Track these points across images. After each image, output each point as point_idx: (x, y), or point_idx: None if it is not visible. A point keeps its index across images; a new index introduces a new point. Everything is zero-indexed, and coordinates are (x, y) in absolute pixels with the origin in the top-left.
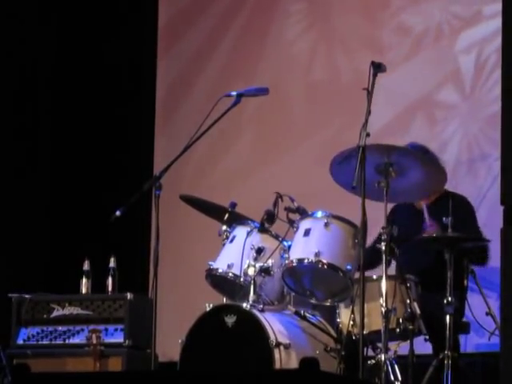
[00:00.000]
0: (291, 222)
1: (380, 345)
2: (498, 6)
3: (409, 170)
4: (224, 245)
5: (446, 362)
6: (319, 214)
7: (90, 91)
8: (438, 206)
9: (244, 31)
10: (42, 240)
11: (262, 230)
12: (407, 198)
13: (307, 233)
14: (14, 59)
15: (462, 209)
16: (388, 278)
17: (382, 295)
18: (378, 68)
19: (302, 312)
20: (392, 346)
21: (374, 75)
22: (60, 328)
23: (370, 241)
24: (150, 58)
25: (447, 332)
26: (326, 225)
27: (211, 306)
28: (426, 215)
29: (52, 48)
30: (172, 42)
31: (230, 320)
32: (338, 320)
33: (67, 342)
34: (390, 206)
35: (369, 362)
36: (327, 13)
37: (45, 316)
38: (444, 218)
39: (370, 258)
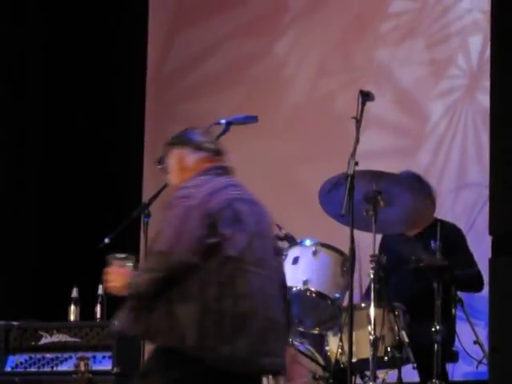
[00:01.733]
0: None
1: (368, 373)
2: None
3: (397, 198)
4: None
5: None
6: (307, 242)
7: (79, 119)
8: (426, 234)
9: (233, 53)
10: (30, 267)
11: None
12: (395, 229)
13: (296, 261)
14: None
15: (452, 235)
16: (376, 306)
17: (370, 323)
18: (366, 96)
19: (290, 340)
20: (380, 374)
21: (363, 104)
22: (48, 355)
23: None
24: (139, 86)
25: (435, 360)
26: (315, 253)
27: None
28: None
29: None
30: (160, 67)
31: None
32: (327, 348)
33: (55, 369)
34: (379, 234)
35: None
36: (318, 39)
37: (33, 343)
38: (432, 243)
39: None
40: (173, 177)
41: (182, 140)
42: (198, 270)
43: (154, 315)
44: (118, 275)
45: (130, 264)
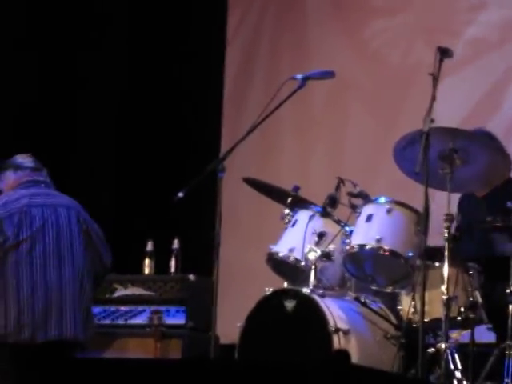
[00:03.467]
0: (353, 207)
1: (441, 333)
2: None
3: (474, 157)
4: (286, 228)
5: (507, 351)
6: (382, 199)
7: (158, 75)
8: (499, 192)
9: (311, 12)
10: (106, 220)
11: (324, 214)
12: (470, 188)
13: (369, 218)
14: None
15: None
16: (450, 265)
17: (443, 283)
18: (444, 53)
19: (363, 298)
20: (453, 334)
21: (441, 61)
22: (122, 308)
23: (431, 228)
24: (218, 45)
25: (510, 321)
26: (389, 211)
27: (271, 290)
28: None
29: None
30: (239, 26)
31: (290, 304)
32: (399, 307)
33: (129, 322)
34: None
35: (429, 350)
36: None
37: (107, 296)
38: (509, 203)
39: None
40: None
41: (6, 165)
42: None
43: None
44: None
45: None
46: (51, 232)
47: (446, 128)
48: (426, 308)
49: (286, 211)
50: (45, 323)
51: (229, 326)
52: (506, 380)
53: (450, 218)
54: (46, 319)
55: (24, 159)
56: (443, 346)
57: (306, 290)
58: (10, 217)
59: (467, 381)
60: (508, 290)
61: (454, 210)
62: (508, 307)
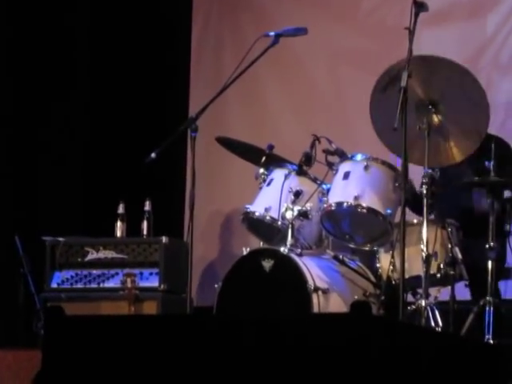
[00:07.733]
0: (330, 165)
1: (420, 290)
2: None
3: (452, 110)
4: (261, 188)
5: (487, 307)
6: (359, 156)
7: (126, 35)
8: (479, 150)
9: None
10: (77, 182)
11: (301, 172)
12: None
13: (346, 176)
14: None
15: (505, 156)
16: (429, 222)
17: (422, 240)
18: (420, 7)
19: (341, 256)
20: (432, 291)
21: (416, 14)
22: (94, 272)
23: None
24: (184, 6)
25: (489, 277)
26: (366, 168)
27: (248, 250)
28: None
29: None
30: None
31: (268, 264)
32: (378, 265)
33: (102, 285)
34: None
35: (409, 307)
36: None
37: (79, 259)
38: (486, 162)
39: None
40: None
41: None
42: None
43: None
44: None
45: None
46: None
47: (425, 56)
48: (406, 265)
49: (261, 170)
50: None
51: (202, 288)
52: (486, 336)
53: (428, 174)
54: None
55: None
56: (423, 303)
57: (283, 250)
58: None
59: None
60: (487, 246)
61: None
62: (487, 263)
